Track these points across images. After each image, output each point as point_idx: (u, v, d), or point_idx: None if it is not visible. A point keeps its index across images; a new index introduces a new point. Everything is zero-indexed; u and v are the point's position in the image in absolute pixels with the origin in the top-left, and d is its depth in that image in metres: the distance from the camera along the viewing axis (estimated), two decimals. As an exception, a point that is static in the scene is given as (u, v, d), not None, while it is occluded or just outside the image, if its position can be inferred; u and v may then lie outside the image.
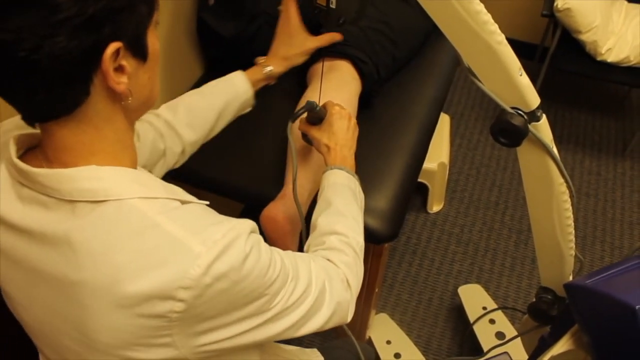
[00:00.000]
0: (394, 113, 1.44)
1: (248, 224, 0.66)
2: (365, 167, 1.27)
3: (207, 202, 0.69)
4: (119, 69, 0.61)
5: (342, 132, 1.05)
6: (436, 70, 1.61)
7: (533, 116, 0.86)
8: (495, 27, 0.78)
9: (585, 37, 2.16)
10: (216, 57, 1.57)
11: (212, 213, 0.67)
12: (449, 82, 1.64)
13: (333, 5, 0.98)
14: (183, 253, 0.59)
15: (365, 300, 1.51)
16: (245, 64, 1.55)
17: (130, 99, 0.64)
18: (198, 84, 1.58)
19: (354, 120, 1.10)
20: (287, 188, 1.16)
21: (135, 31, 0.61)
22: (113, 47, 0.58)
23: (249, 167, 1.32)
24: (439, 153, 2.11)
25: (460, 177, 2.41)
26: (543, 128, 0.87)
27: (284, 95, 1.39)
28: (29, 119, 0.63)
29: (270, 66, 1.16)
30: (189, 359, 0.66)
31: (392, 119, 1.43)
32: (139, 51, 0.63)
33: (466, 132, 2.60)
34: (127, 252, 0.59)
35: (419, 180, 2.11)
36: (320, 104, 1.08)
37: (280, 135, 1.29)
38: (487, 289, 1.94)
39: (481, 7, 0.77)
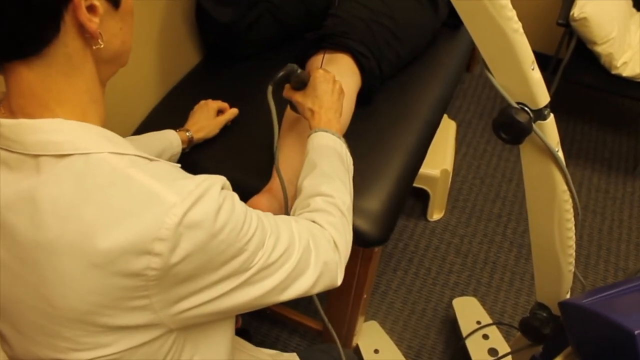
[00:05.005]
0: (395, 112, 1.38)
1: (219, 178, 0.65)
2: (360, 166, 1.21)
3: (179, 165, 0.67)
4: (91, 9, 0.60)
5: (326, 96, 1.03)
6: (442, 71, 1.54)
7: (539, 114, 0.81)
8: (512, 13, 0.74)
9: (600, 49, 2.09)
10: (214, 44, 1.51)
11: (182, 170, 0.65)
12: (454, 85, 1.57)
13: None
14: (158, 203, 0.57)
15: (353, 306, 1.45)
16: (242, 53, 1.51)
17: (101, 43, 0.63)
18: (195, 71, 1.53)
19: (339, 84, 1.08)
20: (274, 182, 1.10)
21: None
22: None
23: (239, 158, 1.27)
24: (442, 160, 2.05)
25: (463, 186, 2.34)
26: (549, 128, 0.82)
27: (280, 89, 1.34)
28: None
29: (191, 132, 1.24)
30: (167, 325, 0.64)
31: (392, 118, 1.37)
32: None
33: (473, 141, 2.54)
34: (96, 205, 0.56)
35: (420, 186, 2.06)
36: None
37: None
38: (483, 303, 1.87)
39: None
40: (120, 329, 0.61)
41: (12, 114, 0.62)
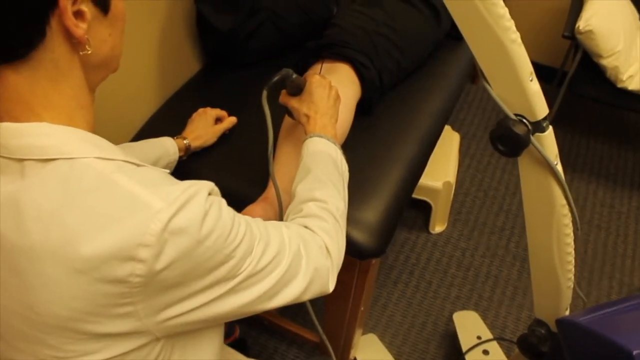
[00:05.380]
0: (395, 123, 1.37)
1: (207, 183, 0.64)
2: (358, 176, 1.20)
3: (168, 171, 0.65)
4: (79, 14, 0.59)
5: (322, 101, 1.02)
6: (444, 82, 1.53)
7: (538, 126, 0.79)
8: (510, 23, 0.72)
9: (606, 62, 2.07)
10: (214, 52, 1.51)
11: (169, 176, 0.64)
12: (456, 96, 1.55)
13: None
14: (142, 209, 0.56)
15: (350, 318, 1.43)
16: (243, 61, 1.50)
17: (88, 49, 0.62)
18: (195, 79, 1.53)
19: (335, 89, 1.07)
20: (270, 191, 1.09)
21: None
22: None
23: (236, 166, 1.25)
24: (445, 171, 2.02)
25: (466, 199, 2.31)
26: (547, 141, 0.80)
27: (275, 94, 1.33)
28: None
29: (188, 139, 1.22)
30: (153, 332, 0.62)
31: (392, 129, 1.35)
32: (100, 0, 0.62)
33: (477, 153, 2.52)
34: (80, 210, 0.55)
35: (422, 198, 2.03)
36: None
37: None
38: (484, 318, 1.84)
39: None
40: (105, 337, 0.60)
41: None
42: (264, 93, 0.99)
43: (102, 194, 0.57)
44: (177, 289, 0.60)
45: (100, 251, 0.55)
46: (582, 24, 2.01)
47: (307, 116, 1.01)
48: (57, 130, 0.60)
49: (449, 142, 2.15)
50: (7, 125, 0.59)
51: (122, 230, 0.55)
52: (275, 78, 0.99)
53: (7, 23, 0.55)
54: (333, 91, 1.06)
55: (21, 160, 0.58)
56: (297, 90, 1.04)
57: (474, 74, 2.73)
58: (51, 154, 0.58)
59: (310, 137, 0.98)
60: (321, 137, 0.97)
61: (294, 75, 1.01)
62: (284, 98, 1.06)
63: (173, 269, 0.58)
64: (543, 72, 2.73)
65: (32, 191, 0.57)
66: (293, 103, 1.04)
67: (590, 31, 2.00)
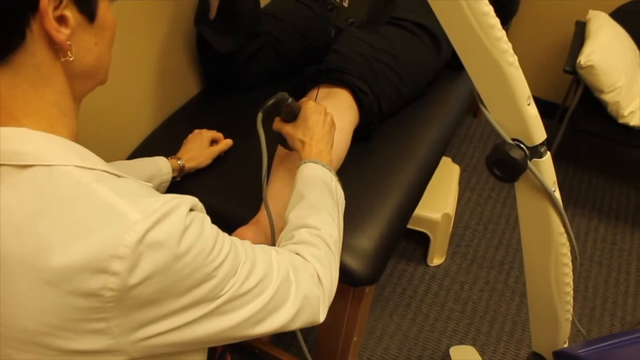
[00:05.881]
0: (393, 150, 1.36)
1: (189, 198, 0.62)
2: (354, 203, 1.18)
3: (151, 185, 0.65)
4: (62, 20, 0.58)
5: (317, 127, 1.01)
6: (443, 112, 1.52)
7: (535, 151, 0.78)
8: (508, 46, 0.72)
9: (607, 97, 2.06)
10: (214, 75, 1.51)
11: (150, 189, 0.62)
12: (455, 126, 1.55)
13: (345, 4, 0.96)
14: (118, 220, 0.54)
15: (343, 348, 1.39)
16: (242, 84, 1.50)
17: (70, 56, 0.60)
18: (194, 101, 1.52)
19: (330, 116, 1.06)
20: (262, 214, 1.07)
21: None
22: None
23: (229, 189, 1.24)
24: (444, 203, 2.00)
25: (466, 232, 2.29)
26: (545, 166, 0.78)
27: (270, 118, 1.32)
28: None
29: (182, 160, 1.22)
30: (129, 353, 0.59)
31: (389, 156, 1.34)
32: (86, 7, 0.61)
33: (477, 187, 2.50)
34: (54, 218, 0.53)
35: (421, 230, 2.01)
36: None
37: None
38: (482, 353, 1.80)
39: (496, 21, 0.71)
40: (76, 354, 0.57)
41: None
42: (259, 116, 0.99)
43: (78, 203, 0.55)
44: (153, 307, 0.58)
45: (72, 262, 0.53)
46: (583, 59, 2.01)
47: (302, 142, 1.00)
48: (36, 136, 0.59)
49: (449, 175, 2.13)
50: None
51: (96, 240, 0.53)
52: (271, 101, 0.98)
53: None
54: (328, 117, 1.05)
55: None
56: (291, 116, 1.03)
57: (475, 107, 2.74)
58: (28, 160, 0.56)
59: (305, 162, 0.96)
60: (316, 163, 0.96)
61: (290, 99, 1.00)
62: (277, 124, 1.05)
63: (149, 285, 0.56)
64: (545, 108, 2.73)
65: (6, 198, 0.55)
66: (287, 129, 1.03)
67: (592, 66, 2.00)
